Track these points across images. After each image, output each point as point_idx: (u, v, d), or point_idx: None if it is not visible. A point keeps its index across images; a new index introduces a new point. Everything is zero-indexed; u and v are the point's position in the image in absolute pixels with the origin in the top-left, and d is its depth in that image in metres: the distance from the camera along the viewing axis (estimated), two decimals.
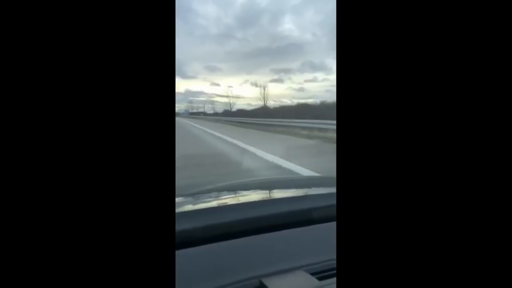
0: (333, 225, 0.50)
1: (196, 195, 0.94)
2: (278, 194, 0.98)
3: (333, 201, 0.54)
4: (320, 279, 0.48)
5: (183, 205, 0.77)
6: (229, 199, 0.88)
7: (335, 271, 0.50)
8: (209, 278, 0.48)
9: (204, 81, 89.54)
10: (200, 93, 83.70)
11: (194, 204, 0.85)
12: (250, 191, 1.04)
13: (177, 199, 0.78)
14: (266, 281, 0.47)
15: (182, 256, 0.52)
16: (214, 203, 0.85)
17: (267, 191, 1.03)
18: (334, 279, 0.48)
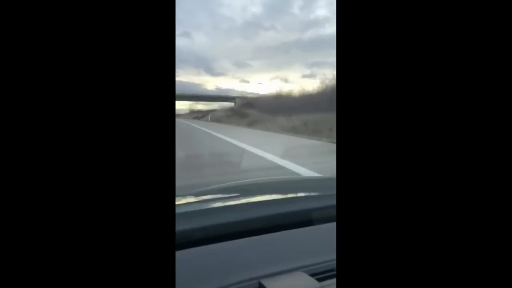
0: (333, 226, 0.50)
1: (195, 195, 0.93)
2: (277, 194, 0.98)
3: (333, 202, 0.54)
4: (319, 280, 0.48)
5: (183, 205, 0.76)
6: (228, 200, 0.88)
7: (334, 272, 0.50)
8: (208, 279, 0.48)
9: (233, 78, 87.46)
10: (230, 90, 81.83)
11: (194, 204, 0.85)
12: (250, 191, 1.04)
13: (177, 200, 0.77)
14: (265, 282, 0.47)
15: (182, 256, 0.52)
16: (213, 204, 0.85)
17: (267, 192, 1.02)
18: (333, 280, 0.48)
